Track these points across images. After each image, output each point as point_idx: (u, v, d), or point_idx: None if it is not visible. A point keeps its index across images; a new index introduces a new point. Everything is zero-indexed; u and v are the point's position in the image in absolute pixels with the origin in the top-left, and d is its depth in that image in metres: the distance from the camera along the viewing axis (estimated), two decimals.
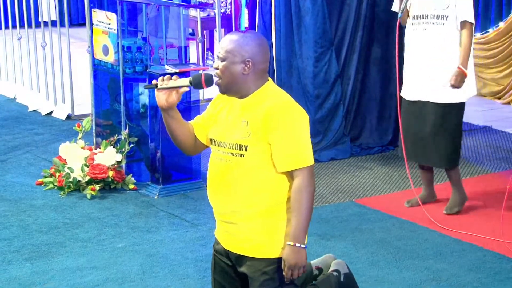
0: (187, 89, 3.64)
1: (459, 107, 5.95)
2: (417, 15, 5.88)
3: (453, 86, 5.79)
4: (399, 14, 5.89)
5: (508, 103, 9.07)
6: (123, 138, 6.56)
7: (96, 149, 6.64)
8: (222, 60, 3.56)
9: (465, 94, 5.92)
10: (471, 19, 5.78)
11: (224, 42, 3.56)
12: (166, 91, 3.61)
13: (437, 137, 5.92)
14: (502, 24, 9.28)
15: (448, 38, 5.79)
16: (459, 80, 5.77)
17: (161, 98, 3.63)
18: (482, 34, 9.38)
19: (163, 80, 3.61)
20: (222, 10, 9.91)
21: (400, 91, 6.08)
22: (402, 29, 6.05)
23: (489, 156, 7.35)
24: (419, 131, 5.97)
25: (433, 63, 5.83)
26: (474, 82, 6.00)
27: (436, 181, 6.53)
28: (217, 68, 3.59)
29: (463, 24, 5.77)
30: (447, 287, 4.97)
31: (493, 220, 5.90)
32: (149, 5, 6.55)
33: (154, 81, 3.64)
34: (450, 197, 6.10)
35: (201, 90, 8.13)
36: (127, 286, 5.01)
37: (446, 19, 5.79)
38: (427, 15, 5.83)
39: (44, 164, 7.04)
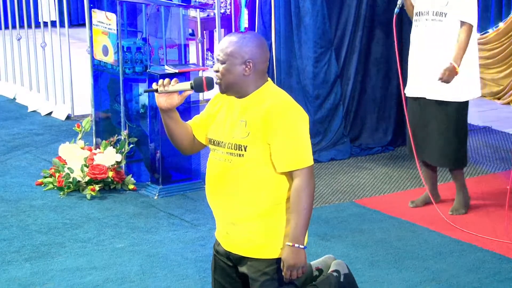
0: (191, 91, 3.65)
1: (461, 106, 5.91)
2: (419, 12, 5.87)
3: (441, 79, 5.71)
4: (396, 10, 5.92)
5: (508, 103, 9.07)
6: (122, 138, 6.56)
7: (95, 149, 6.64)
8: (222, 62, 3.55)
9: (468, 93, 5.90)
10: (470, 20, 5.73)
11: (223, 44, 3.56)
12: (166, 94, 3.61)
13: (439, 136, 5.91)
14: (501, 25, 9.28)
15: (448, 35, 5.77)
16: (447, 75, 5.68)
17: (161, 100, 3.63)
18: (482, 34, 9.37)
19: (163, 83, 3.61)
20: (222, 11, 9.91)
21: (404, 88, 6.07)
22: (397, 25, 6.06)
23: (488, 157, 7.35)
24: (422, 128, 5.96)
25: (433, 60, 5.81)
26: (479, 84, 5.98)
27: (438, 181, 6.52)
28: (217, 71, 3.58)
29: (462, 23, 5.76)
30: None
31: (493, 221, 5.90)
32: (149, 6, 6.55)
33: (154, 85, 3.64)
34: (455, 198, 6.08)
35: None
36: (127, 286, 5.01)
37: (445, 16, 5.77)
38: (428, 11, 5.82)
39: (43, 164, 7.04)
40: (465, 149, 6.05)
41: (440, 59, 5.77)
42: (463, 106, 5.92)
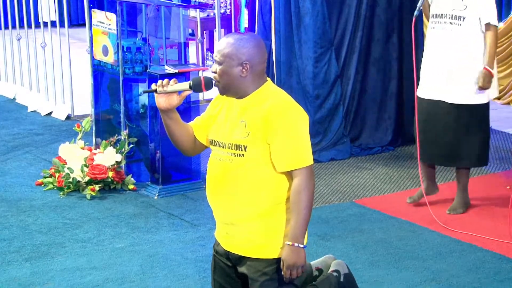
0: (190, 91, 3.65)
1: (480, 108, 5.91)
2: (436, 14, 5.86)
3: (481, 87, 5.80)
4: (416, 13, 5.85)
5: (508, 103, 9.07)
6: (122, 138, 6.56)
7: (95, 149, 6.64)
8: (220, 63, 3.56)
9: (484, 95, 5.90)
10: (494, 21, 5.78)
11: (221, 45, 3.57)
12: (166, 94, 3.62)
13: (456, 137, 5.90)
14: (501, 25, 9.28)
15: (468, 39, 5.77)
16: (486, 81, 5.77)
17: (161, 101, 3.64)
18: None
19: (162, 84, 3.61)
20: (222, 11, 9.91)
21: (416, 89, 6.05)
22: (416, 26, 6.03)
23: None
24: (437, 131, 5.93)
25: (452, 63, 5.81)
26: (496, 84, 5.99)
27: (439, 181, 6.52)
28: (214, 72, 3.59)
29: (487, 26, 5.77)
30: None
31: (493, 220, 5.90)
32: (149, 6, 6.55)
33: (153, 86, 3.64)
34: (455, 198, 6.08)
35: None
36: (127, 286, 5.01)
37: (463, 20, 5.76)
38: (445, 14, 5.81)
39: (43, 164, 7.04)
40: (487, 148, 6.07)
41: (463, 62, 5.78)
42: (483, 107, 5.93)
